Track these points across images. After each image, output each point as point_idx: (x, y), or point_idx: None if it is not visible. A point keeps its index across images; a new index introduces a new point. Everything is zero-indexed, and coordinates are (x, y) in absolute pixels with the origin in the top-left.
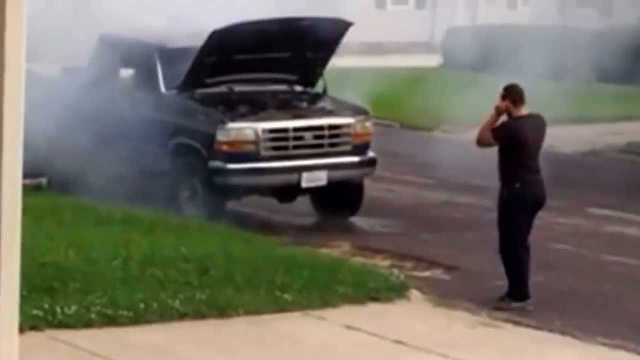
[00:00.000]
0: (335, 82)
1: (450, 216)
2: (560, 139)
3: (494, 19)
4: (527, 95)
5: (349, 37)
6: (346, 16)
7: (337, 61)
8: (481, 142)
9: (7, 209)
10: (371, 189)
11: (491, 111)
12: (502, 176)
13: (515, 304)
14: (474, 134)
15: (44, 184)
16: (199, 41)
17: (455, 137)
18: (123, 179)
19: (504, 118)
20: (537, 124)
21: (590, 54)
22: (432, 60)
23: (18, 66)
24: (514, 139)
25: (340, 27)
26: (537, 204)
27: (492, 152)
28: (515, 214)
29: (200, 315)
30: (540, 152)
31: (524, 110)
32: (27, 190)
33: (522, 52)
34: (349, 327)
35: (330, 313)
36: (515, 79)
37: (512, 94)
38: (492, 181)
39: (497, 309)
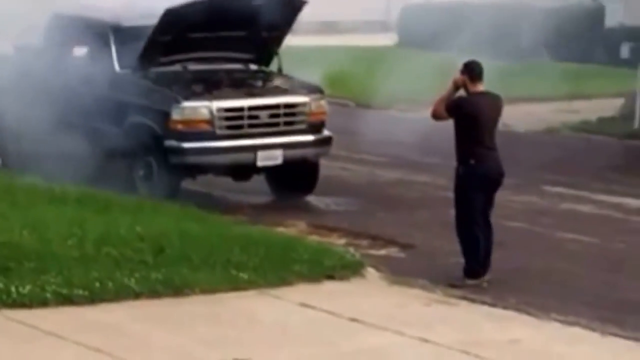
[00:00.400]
0: (291, 61)
1: (405, 194)
2: (515, 117)
3: None
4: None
5: (304, 16)
6: None
7: (293, 40)
8: (435, 115)
9: None
10: (327, 167)
11: (449, 85)
12: (458, 153)
13: (470, 281)
14: (428, 113)
15: None
16: (153, 20)
17: (410, 115)
18: (78, 158)
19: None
20: (493, 101)
21: (545, 32)
22: (387, 39)
23: None
24: (466, 114)
25: (294, 6)
26: (493, 180)
27: (448, 131)
28: (470, 190)
29: (155, 294)
30: (495, 131)
31: (481, 87)
32: None
33: (477, 30)
34: (305, 305)
35: (286, 291)
36: (470, 57)
37: (470, 70)
38: (447, 159)
39: (452, 286)
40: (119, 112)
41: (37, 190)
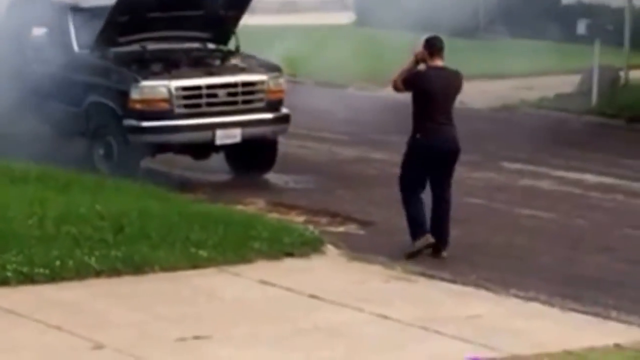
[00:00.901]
0: (249, 40)
1: (364, 172)
2: (473, 94)
3: None
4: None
5: None
6: None
7: (252, 19)
8: (394, 87)
9: None
10: (285, 145)
11: (410, 58)
12: (412, 125)
13: (417, 243)
14: (388, 90)
15: None
16: (111, 0)
17: (369, 94)
18: (38, 138)
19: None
20: (449, 76)
21: (502, 8)
22: (345, 18)
23: None
24: (420, 88)
25: None
26: (441, 155)
27: (406, 108)
28: (412, 162)
29: (116, 272)
30: (452, 106)
31: (440, 63)
32: None
33: (434, 9)
34: (265, 282)
35: (245, 269)
36: (428, 34)
37: (430, 45)
38: (405, 137)
39: (408, 255)
40: (78, 92)
41: None
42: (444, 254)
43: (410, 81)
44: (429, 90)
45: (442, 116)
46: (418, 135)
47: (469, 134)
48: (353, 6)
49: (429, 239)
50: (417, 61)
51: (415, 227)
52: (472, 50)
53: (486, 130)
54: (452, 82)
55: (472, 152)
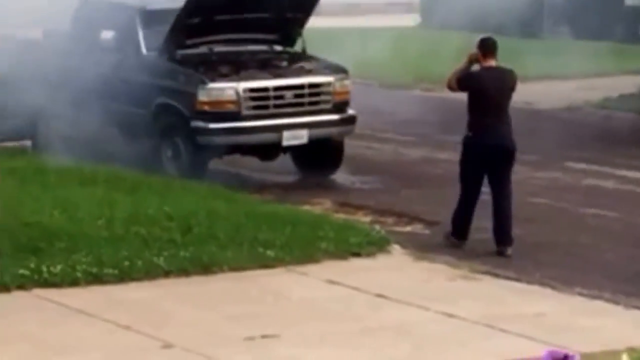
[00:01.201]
0: (315, 41)
1: (430, 172)
2: (538, 95)
3: None
4: (505, 52)
5: None
6: None
7: (317, 21)
8: (448, 86)
9: None
10: (352, 146)
11: (465, 59)
12: (467, 124)
13: (452, 240)
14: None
15: (28, 147)
16: (179, 3)
17: (434, 95)
18: (107, 140)
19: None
20: (503, 76)
21: (566, 10)
22: (410, 20)
23: None
24: (473, 87)
25: None
26: (494, 154)
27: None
28: (466, 161)
29: (184, 272)
30: (507, 105)
31: (492, 62)
32: (12, 152)
33: (499, 10)
34: (331, 282)
35: (312, 268)
36: (493, 36)
37: (483, 45)
38: None
39: (446, 238)
40: (146, 94)
41: (67, 172)
42: (509, 251)
43: (463, 81)
44: (481, 90)
45: (496, 115)
46: (470, 134)
47: (534, 134)
48: (419, 8)
49: (459, 244)
50: (470, 61)
51: (455, 226)
52: (537, 51)
53: (551, 130)
54: (506, 81)
55: (537, 152)
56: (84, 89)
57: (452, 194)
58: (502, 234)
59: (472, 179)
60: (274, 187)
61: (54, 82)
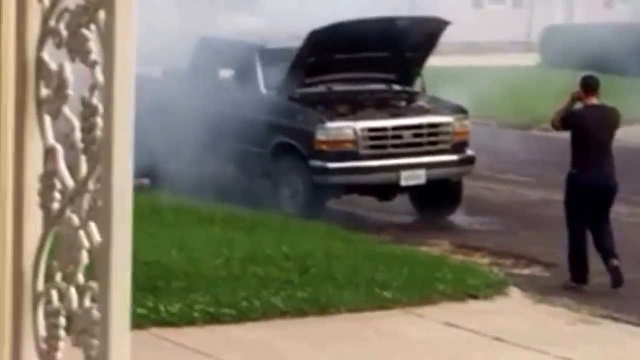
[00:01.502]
0: (433, 80)
1: (548, 214)
2: None
3: (591, 17)
4: (621, 93)
5: (446, 36)
6: (443, 15)
7: (435, 60)
8: (552, 125)
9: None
10: (470, 187)
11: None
12: (570, 162)
13: (573, 284)
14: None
15: (146, 185)
16: (297, 42)
17: (553, 135)
18: (224, 178)
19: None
20: (605, 114)
21: None
22: (529, 59)
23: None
24: (575, 126)
25: (437, 26)
26: (595, 192)
27: None
28: (569, 198)
29: (301, 313)
30: (610, 143)
31: (594, 100)
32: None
33: (618, 51)
34: (449, 324)
35: (429, 310)
36: (612, 77)
37: (585, 84)
38: None
39: (565, 287)
40: (264, 133)
41: (184, 210)
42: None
43: (566, 120)
44: (584, 128)
45: (598, 153)
46: (574, 171)
47: None
48: (538, 47)
49: (579, 288)
50: (573, 100)
51: (573, 268)
52: None
53: None
54: (608, 119)
55: None
56: (202, 127)
57: None
58: (610, 271)
59: (577, 217)
60: (391, 227)
61: (173, 120)
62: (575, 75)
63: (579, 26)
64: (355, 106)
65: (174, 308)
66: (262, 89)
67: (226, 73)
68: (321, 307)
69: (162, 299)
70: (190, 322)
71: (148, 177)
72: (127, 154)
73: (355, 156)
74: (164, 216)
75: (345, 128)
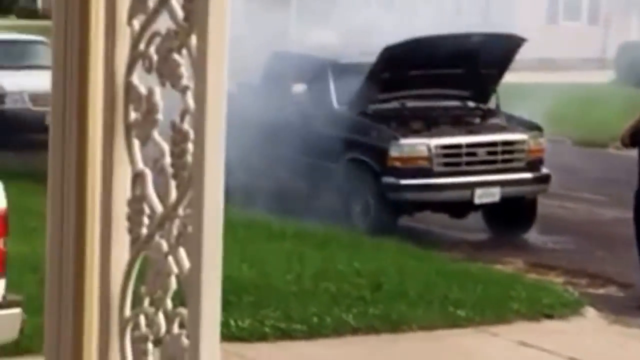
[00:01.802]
0: (507, 97)
1: (624, 233)
2: None
3: None
4: None
5: (520, 53)
6: (517, 32)
7: (510, 76)
8: (622, 142)
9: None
10: (544, 205)
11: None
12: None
13: None
14: None
15: None
16: (370, 57)
17: (629, 153)
18: (296, 193)
19: None
20: None
21: None
22: (604, 77)
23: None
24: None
25: (513, 43)
26: None
27: None
28: (637, 216)
29: (373, 330)
30: None
31: None
32: None
33: None
34: (523, 344)
35: (503, 329)
36: None
37: None
38: None
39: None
40: (336, 148)
41: (256, 226)
42: None
43: (634, 136)
44: None
45: None
46: None
47: None
48: (613, 65)
49: None
50: None
51: None
52: None
53: None
54: None
55: None
56: (274, 142)
57: None
58: None
59: None
60: (464, 245)
61: (245, 135)
62: None
63: None
64: (429, 123)
65: (244, 323)
66: (335, 104)
67: (299, 87)
68: (393, 325)
69: (232, 313)
70: (261, 337)
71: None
72: (219, 180)
73: (428, 173)
74: (235, 231)
75: (418, 145)
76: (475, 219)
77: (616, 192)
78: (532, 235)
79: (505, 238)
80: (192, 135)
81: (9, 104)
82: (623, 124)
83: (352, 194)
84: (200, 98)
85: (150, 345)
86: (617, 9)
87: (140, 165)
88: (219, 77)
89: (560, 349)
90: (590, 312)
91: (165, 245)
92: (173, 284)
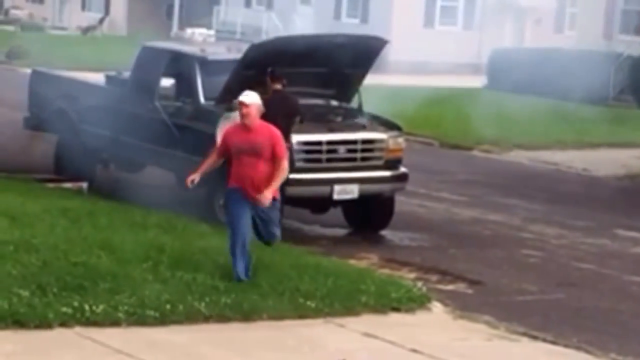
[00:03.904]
0: (379, 99)
1: (479, 233)
2: (596, 162)
3: (541, 42)
4: (568, 118)
5: (396, 56)
6: (394, 35)
7: (385, 79)
8: None
9: None
10: (404, 203)
11: None
12: None
13: None
14: (513, 154)
15: (84, 189)
16: (238, 54)
17: (494, 157)
18: (161, 185)
19: None
20: None
21: (633, 79)
22: (477, 82)
23: None
24: None
25: (377, 45)
26: None
27: (528, 172)
28: None
29: (224, 318)
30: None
31: None
32: (68, 193)
33: (566, 76)
34: (368, 335)
35: (351, 321)
36: (557, 101)
37: None
38: (524, 201)
39: None
40: (202, 142)
41: (118, 215)
42: None
43: None
44: None
45: None
46: None
47: (588, 200)
48: (485, 70)
49: None
50: None
51: None
52: (600, 118)
53: (605, 198)
54: None
55: (589, 218)
56: (142, 135)
57: (499, 255)
58: None
59: None
60: (323, 239)
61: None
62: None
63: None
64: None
65: (98, 308)
66: (201, 99)
67: (167, 82)
68: (244, 314)
69: (87, 299)
70: (114, 322)
71: (86, 181)
72: None
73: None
74: (98, 219)
75: None
76: (335, 215)
77: (477, 193)
78: (390, 232)
79: (363, 234)
80: None
81: None
82: (492, 127)
83: (218, 189)
84: None
85: None
86: (492, 15)
87: None
88: None
89: (403, 340)
90: (437, 307)
91: None
92: None
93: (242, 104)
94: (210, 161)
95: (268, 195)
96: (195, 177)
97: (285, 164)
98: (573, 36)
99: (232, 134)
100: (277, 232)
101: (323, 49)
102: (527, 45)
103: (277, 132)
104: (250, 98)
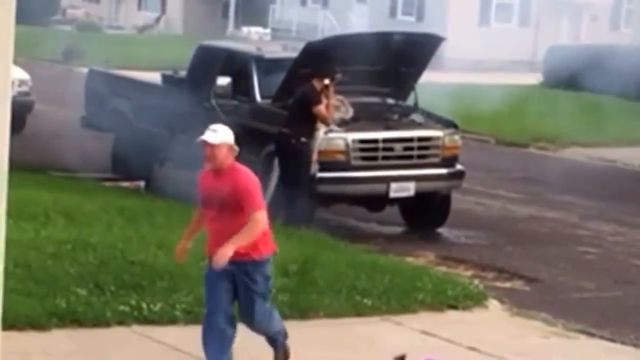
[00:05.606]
0: (434, 96)
1: (536, 230)
2: None
3: (597, 38)
4: (625, 115)
5: (451, 53)
6: (450, 33)
7: (438, 76)
8: None
9: None
10: (461, 201)
11: None
12: None
13: None
14: (569, 151)
15: (141, 187)
16: (294, 53)
17: (550, 154)
18: None
19: None
20: None
21: None
22: (532, 79)
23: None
24: None
25: (432, 42)
26: None
27: (583, 170)
28: None
29: (281, 316)
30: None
31: None
32: (124, 192)
33: (622, 72)
34: (425, 333)
35: (408, 319)
36: (613, 98)
37: None
38: (581, 198)
39: None
40: (257, 141)
41: (175, 213)
42: None
43: None
44: None
45: None
46: None
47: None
48: (541, 67)
49: None
50: None
51: None
52: None
53: None
54: None
55: None
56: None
57: (556, 252)
58: None
59: None
60: (379, 237)
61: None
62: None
63: (583, 46)
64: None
65: (156, 307)
66: (258, 97)
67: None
68: (301, 311)
69: (145, 297)
70: (172, 320)
71: (143, 180)
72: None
73: (346, 166)
74: (154, 218)
75: (336, 139)
76: (392, 213)
77: (533, 190)
78: (446, 230)
79: (420, 231)
80: None
81: None
82: (548, 124)
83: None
84: None
85: None
86: (548, 12)
87: None
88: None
89: (460, 338)
90: (494, 304)
91: None
92: None
93: (205, 143)
94: (194, 218)
95: (223, 254)
96: (185, 244)
97: (258, 217)
98: (629, 33)
99: (201, 180)
100: (263, 320)
101: (379, 47)
102: (583, 42)
103: (248, 179)
104: (218, 136)
